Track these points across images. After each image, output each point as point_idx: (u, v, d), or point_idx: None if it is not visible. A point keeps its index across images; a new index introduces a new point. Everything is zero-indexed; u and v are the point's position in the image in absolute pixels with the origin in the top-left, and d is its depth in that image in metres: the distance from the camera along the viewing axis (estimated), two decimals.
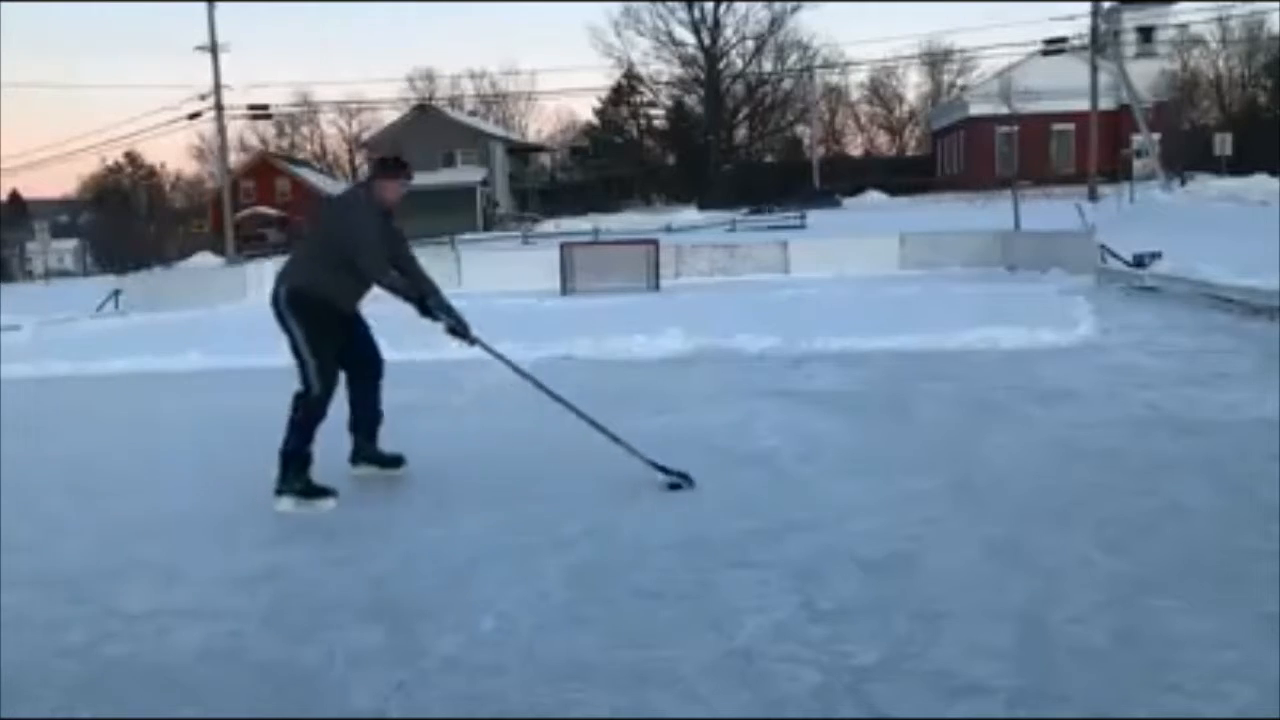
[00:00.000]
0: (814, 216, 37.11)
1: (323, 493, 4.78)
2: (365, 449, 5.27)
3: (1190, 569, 3.54)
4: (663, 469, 4.85)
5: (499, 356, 5.20)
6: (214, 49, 41.49)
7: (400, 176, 5.13)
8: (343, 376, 5.05)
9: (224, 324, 16.74)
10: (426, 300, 5.02)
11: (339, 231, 4.98)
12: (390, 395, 8.39)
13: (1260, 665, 2.78)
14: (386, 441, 6.56)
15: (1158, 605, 3.23)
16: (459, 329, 5.07)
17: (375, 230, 4.89)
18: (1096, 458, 5.17)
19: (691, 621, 3.27)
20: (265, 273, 25.90)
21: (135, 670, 3.13)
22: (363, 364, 5.20)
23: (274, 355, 10.47)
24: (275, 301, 5.00)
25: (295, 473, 4.77)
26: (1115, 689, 2.71)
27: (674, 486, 4.76)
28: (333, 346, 4.95)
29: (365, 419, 5.25)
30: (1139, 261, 15.52)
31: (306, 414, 4.84)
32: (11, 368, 10.69)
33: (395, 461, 5.31)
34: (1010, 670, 2.83)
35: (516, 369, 5.27)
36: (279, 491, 4.75)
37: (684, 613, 3.35)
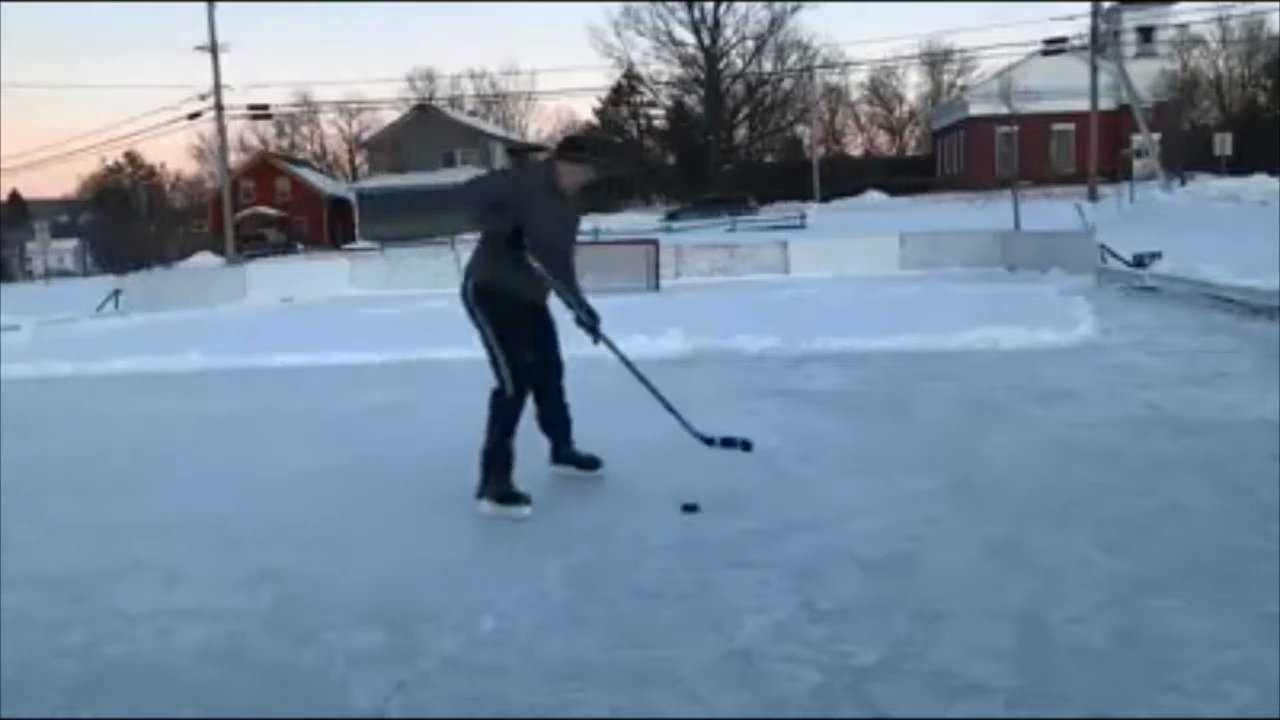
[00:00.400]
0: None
1: (518, 499, 4.53)
2: (563, 449, 5.05)
3: (1190, 569, 3.54)
4: (727, 441, 4.93)
5: (621, 356, 5.04)
6: (214, 49, 41.54)
7: (583, 162, 4.85)
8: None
9: (224, 324, 16.76)
10: (564, 285, 4.92)
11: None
12: (391, 394, 8.43)
13: (1260, 665, 2.78)
14: (387, 439, 6.58)
15: (1158, 605, 3.23)
16: (588, 323, 4.98)
17: (504, 195, 4.73)
18: (1096, 458, 5.16)
19: (691, 621, 3.27)
20: (265, 273, 25.97)
21: (135, 670, 3.13)
22: (544, 363, 4.93)
23: (274, 355, 10.53)
24: (463, 295, 4.76)
25: (495, 476, 4.57)
26: (1115, 689, 2.71)
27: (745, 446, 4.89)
28: (523, 341, 4.72)
29: (557, 419, 5.03)
30: (1139, 261, 15.51)
31: (501, 413, 4.63)
32: (11, 368, 10.70)
33: (592, 463, 5.07)
34: (1010, 670, 2.83)
35: (638, 373, 5.08)
36: (479, 494, 4.58)
37: (684, 613, 3.35)
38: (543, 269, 4.67)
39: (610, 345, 4.97)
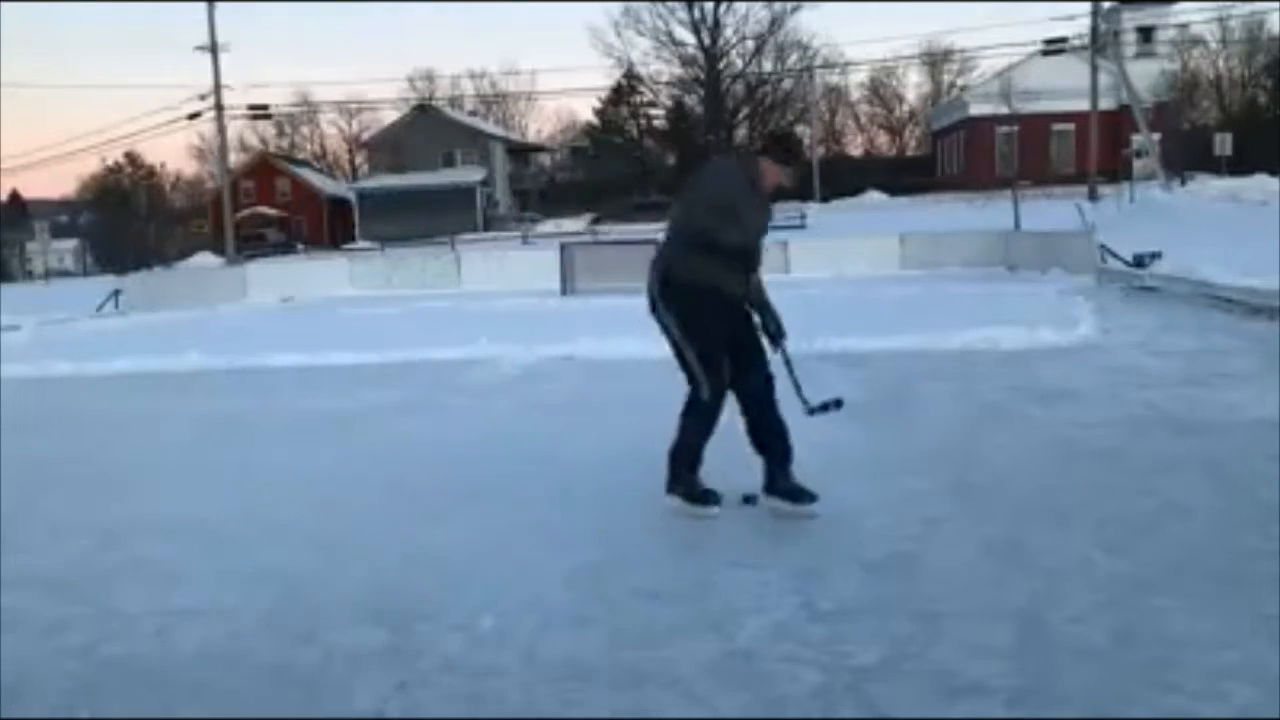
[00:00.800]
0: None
1: (708, 498, 4.36)
2: (780, 479, 4.42)
3: (1190, 569, 3.54)
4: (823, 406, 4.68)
5: (791, 373, 4.66)
6: (214, 49, 41.50)
7: (790, 164, 4.54)
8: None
9: (224, 324, 16.77)
10: (756, 291, 4.54)
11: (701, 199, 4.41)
12: (391, 394, 8.44)
13: (1260, 665, 2.78)
14: (386, 439, 6.57)
15: (1158, 605, 3.23)
16: (775, 332, 4.58)
17: (725, 195, 4.31)
18: (1096, 458, 5.17)
19: (691, 621, 3.27)
20: (265, 273, 25.98)
21: (135, 670, 3.13)
22: (750, 368, 4.46)
23: (274, 355, 10.54)
24: (659, 292, 4.39)
25: (684, 474, 4.39)
26: (1115, 689, 2.71)
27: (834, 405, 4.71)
28: (720, 343, 4.37)
29: (772, 437, 4.47)
30: (1139, 261, 15.52)
31: (699, 416, 4.35)
32: (11, 368, 10.70)
33: (806, 497, 4.38)
34: (1010, 670, 2.83)
35: (797, 382, 4.70)
36: (669, 490, 4.40)
37: (684, 613, 3.35)
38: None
39: (787, 360, 4.63)
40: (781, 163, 4.48)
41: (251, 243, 49.15)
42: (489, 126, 63.95)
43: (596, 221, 44.36)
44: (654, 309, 4.45)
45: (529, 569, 3.83)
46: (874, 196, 48.28)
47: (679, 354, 4.39)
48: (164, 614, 3.55)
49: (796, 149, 4.75)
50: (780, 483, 4.41)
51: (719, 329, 4.36)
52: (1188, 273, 13.37)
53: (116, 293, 21.87)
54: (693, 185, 4.56)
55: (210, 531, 4.54)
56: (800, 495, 4.37)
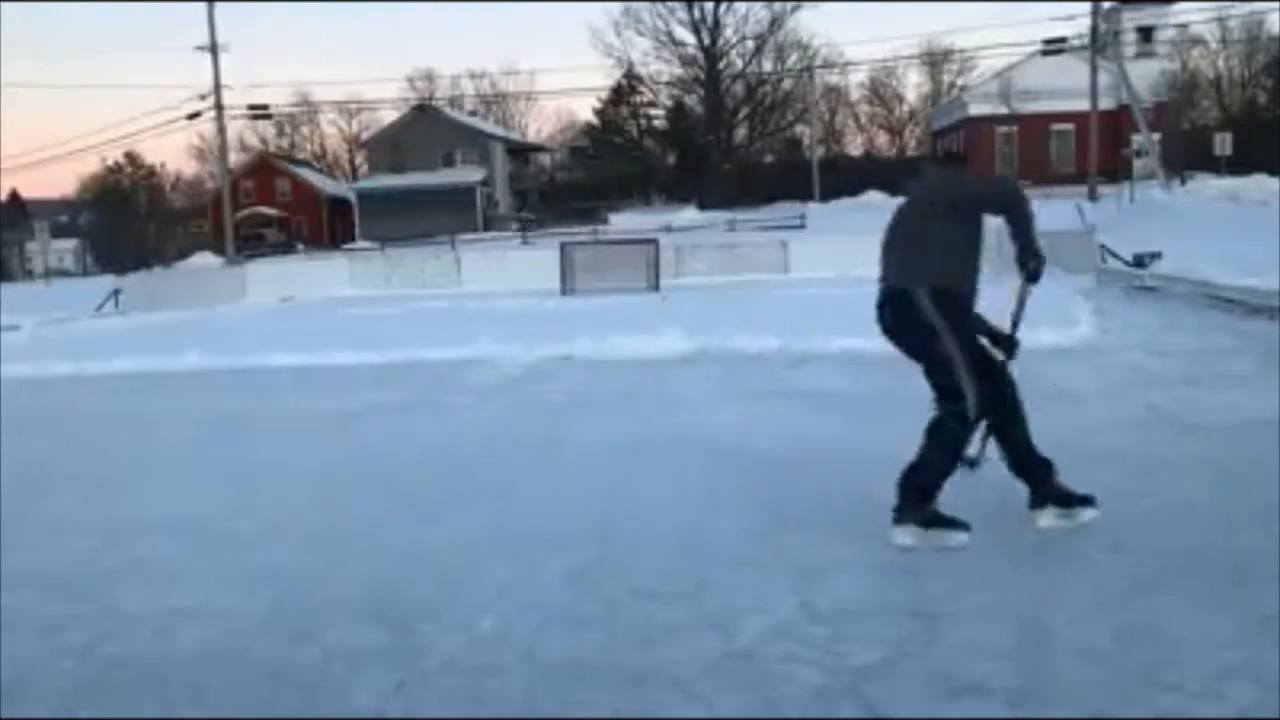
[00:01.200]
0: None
1: (955, 524, 3.92)
2: (1047, 485, 4.10)
3: (1190, 568, 3.54)
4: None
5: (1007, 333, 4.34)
6: (214, 49, 41.47)
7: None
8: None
9: (223, 324, 16.76)
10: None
11: (959, 199, 4.34)
12: (391, 394, 8.44)
13: (1261, 665, 2.78)
14: (386, 439, 6.57)
15: (1158, 605, 3.23)
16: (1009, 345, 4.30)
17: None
18: (1096, 458, 5.16)
19: (691, 621, 3.27)
20: (264, 273, 25.98)
21: (135, 670, 3.12)
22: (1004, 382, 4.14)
23: (273, 355, 10.54)
24: (914, 300, 4.07)
25: (924, 502, 3.95)
26: (1115, 689, 2.71)
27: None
28: (983, 355, 4.11)
29: (1029, 454, 4.16)
30: (1139, 261, 15.54)
31: (953, 439, 3.96)
32: (11, 368, 10.70)
33: (1085, 501, 4.07)
34: (1010, 670, 2.83)
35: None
36: (898, 520, 3.95)
37: (684, 613, 3.35)
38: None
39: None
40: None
41: (251, 242, 49.14)
42: (489, 126, 63.93)
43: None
44: (924, 318, 4.06)
45: (529, 569, 3.83)
46: (874, 196, 48.24)
47: (946, 367, 3.97)
48: (164, 614, 3.55)
49: (958, 156, 4.66)
50: (1050, 488, 4.11)
51: (977, 341, 4.17)
52: (1188, 273, 13.38)
53: (116, 293, 21.88)
54: (936, 190, 4.54)
55: (210, 531, 4.54)
56: (1080, 500, 4.08)
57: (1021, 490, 4.59)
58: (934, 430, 3.99)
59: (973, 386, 3.94)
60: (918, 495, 3.96)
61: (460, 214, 50.99)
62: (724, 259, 23.02)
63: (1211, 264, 13.04)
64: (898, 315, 4.16)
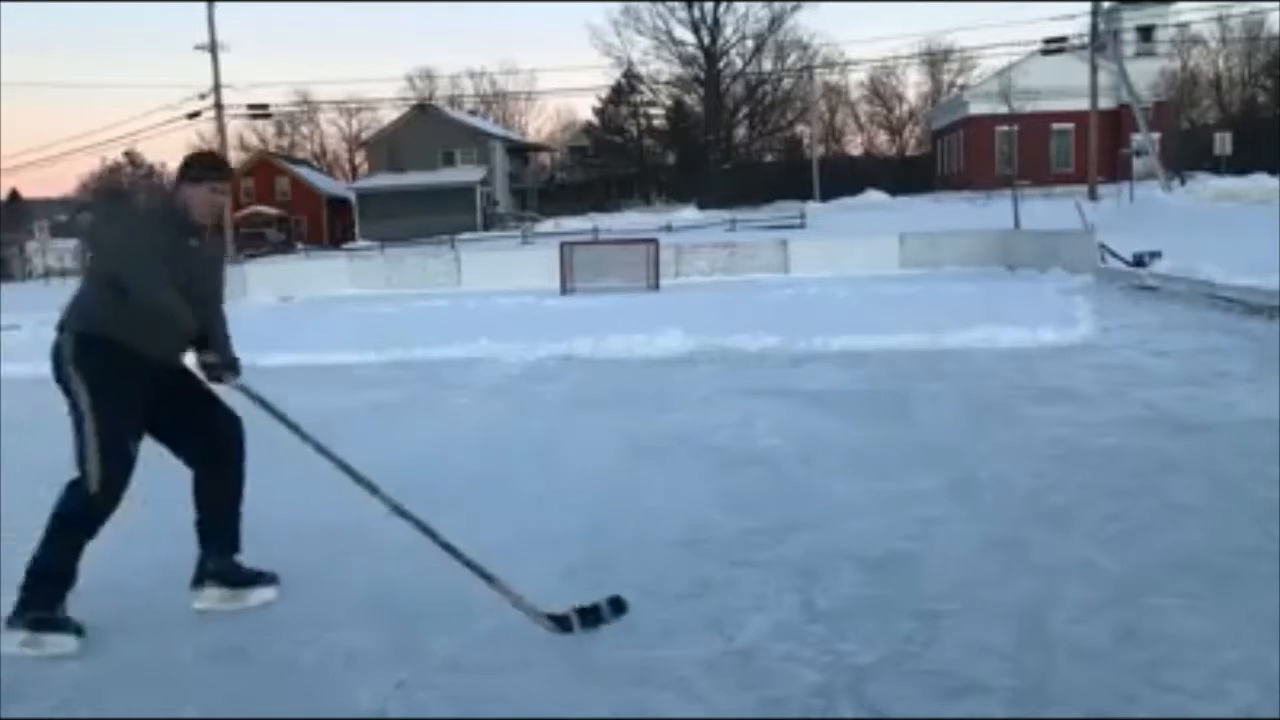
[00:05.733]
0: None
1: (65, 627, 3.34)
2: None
3: (1190, 568, 3.54)
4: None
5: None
6: (214, 48, 41.47)
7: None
8: None
9: None
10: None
11: None
12: (391, 394, 8.44)
13: (1261, 664, 2.78)
14: (386, 439, 6.57)
15: (1158, 604, 3.23)
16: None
17: None
18: (1096, 457, 5.16)
19: (691, 621, 3.27)
20: (264, 272, 25.95)
21: (135, 670, 3.13)
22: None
23: (273, 355, 10.52)
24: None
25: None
26: (1115, 689, 2.71)
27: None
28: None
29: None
30: (1139, 261, 15.52)
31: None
32: (11, 367, 10.70)
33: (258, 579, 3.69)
34: (1010, 670, 2.83)
35: None
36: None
37: (684, 612, 3.35)
38: None
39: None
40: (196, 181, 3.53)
41: (253, 241, 49.10)
42: (489, 126, 63.91)
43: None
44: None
45: (528, 568, 3.83)
46: (874, 196, 48.25)
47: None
48: (164, 613, 3.55)
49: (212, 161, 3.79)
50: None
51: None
52: (1187, 272, 13.36)
53: None
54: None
55: None
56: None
57: (1028, 492, 4.61)
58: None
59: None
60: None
61: (460, 214, 50.99)
62: (724, 259, 23.01)
63: (1211, 264, 13.03)
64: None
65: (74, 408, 3.46)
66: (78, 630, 3.32)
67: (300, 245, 50.23)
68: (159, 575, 3.98)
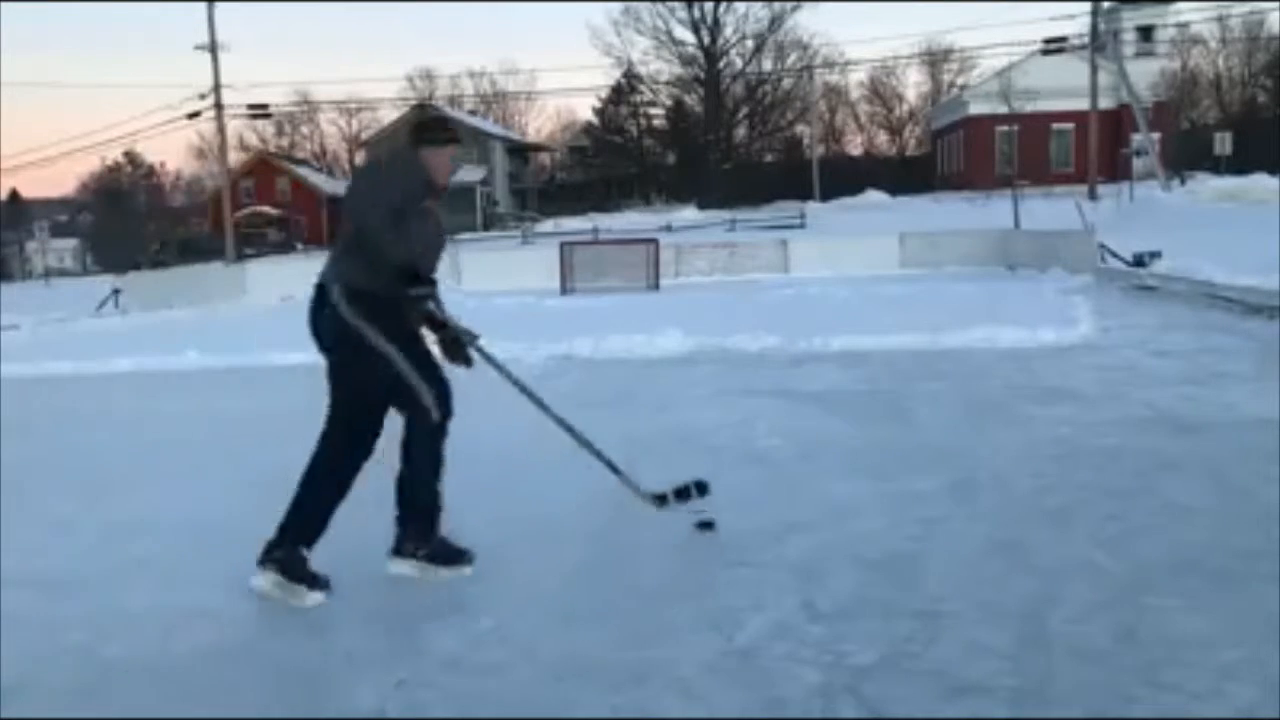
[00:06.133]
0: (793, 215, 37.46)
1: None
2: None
3: (1190, 568, 3.54)
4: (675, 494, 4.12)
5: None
6: (214, 48, 41.47)
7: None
8: None
9: (223, 323, 16.76)
10: None
11: None
12: None
13: (1261, 664, 2.78)
14: (386, 438, 6.56)
15: (1158, 605, 3.23)
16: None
17: None
18: (1096, 457, 5.16)
19: (691, 621, 3.27)
20: (264, 272, 25.95)
21: (135, 670, 3.12)
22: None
23: (273, 354, 10.53)
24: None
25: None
26: (1115, 689, 2.71)
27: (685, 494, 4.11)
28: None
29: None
30: (1139, 261, 15.53)
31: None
32: (11, 367, 10.70)
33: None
34: (1010, 670, 2.83)
35: None
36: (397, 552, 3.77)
37: (684, 613, 3.35)
38: None
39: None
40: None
41: (251, 242, 49.09)
42: (489, 126, 63.91)
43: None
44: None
45: (528, 567, 3.83)
46: (874, 195, 48.26)
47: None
48: (164, 613, 3.55)
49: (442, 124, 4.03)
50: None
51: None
52: (1187, 272, 13.37)
53: (116, 292, 21.87)
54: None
55: (210, 531, 4.53)
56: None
57: (1028, 492, 4.61)
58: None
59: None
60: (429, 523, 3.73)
61: (460, 214, 50.99)
62: (724, 259, 23.02)
63: (1211, 264, 13.04)
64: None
65: (367, 357, 3.61)
66: (467, 558, 3.73)
67: (300, 245, 50.24)
68: (159, 575, 3.98)
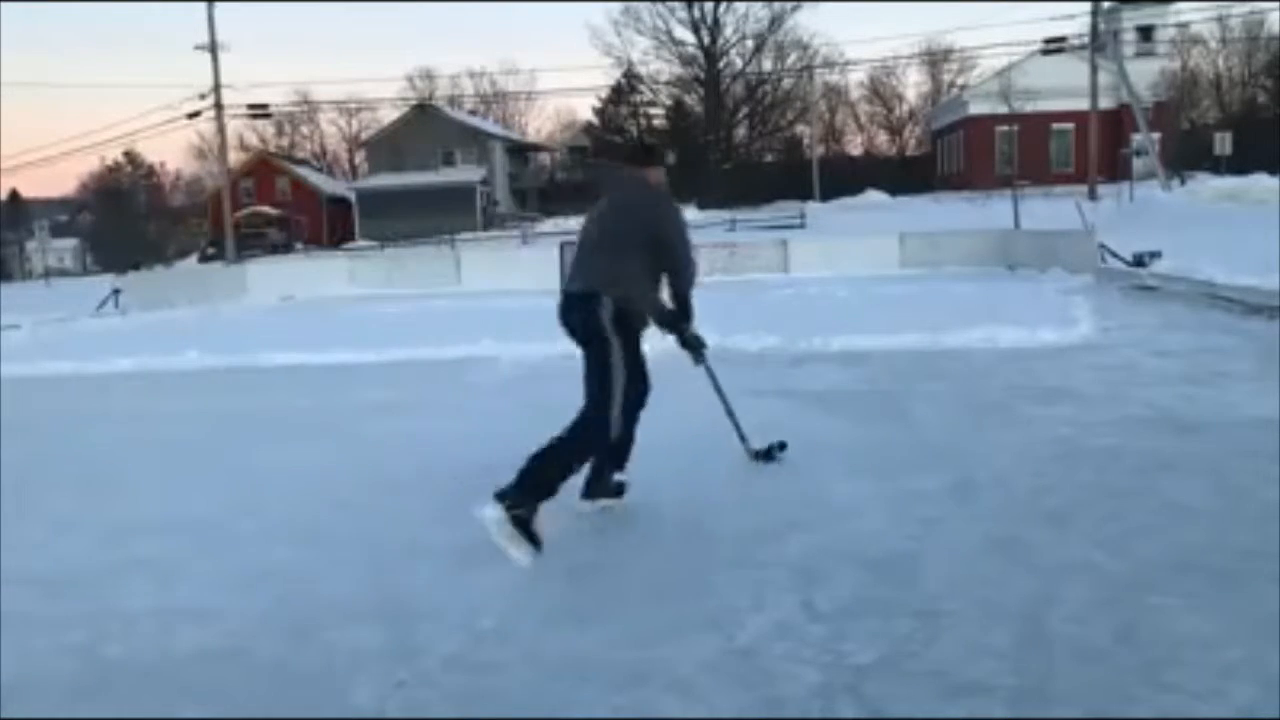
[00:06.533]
0: (800, 215, 37.41)
1: (532, 539, 3.92)
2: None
3: (1190, 568, 3.54)
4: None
5: None
6: (214, 48, 41.47)
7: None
8: None
9: (223, 323, 16.76)
10: None
11: None
12: (390, 393, 8.43)
13: (1260, 664, 2.78)
14: (386, 438, 6.57)
15: (1157, 604, 3.23)
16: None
17: None
18: (1096, 457, 5.16)
19: (691, 621, 3.27)
20: (265, 272, 25.96)
21: (135, 670, 3.12)
22: None
23: (273, 354, 10.53)
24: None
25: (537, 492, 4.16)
26: (1115, 689, 2.71)
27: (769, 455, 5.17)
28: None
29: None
30: (1139, 261, 15.53)
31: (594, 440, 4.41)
32: (11, 367, 10.70)
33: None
34: (1010, 670, 2.83)
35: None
36: (499, 497, 4.03)
37: (684, 612, 3.35)
38: None
39: None
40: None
41: (251, 242, 49.08)
42: (489, 126, 63.92)
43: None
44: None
45: (529, 568, 3.83)
46: (874, 195, 48.26)
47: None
48: (164, 613, 3.55)
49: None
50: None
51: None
52: (1187, 272, 13.37)
53: (116, 292, 21.86)
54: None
55: (210, 530, 4.54)
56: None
57: (1028, 492, 4.61)
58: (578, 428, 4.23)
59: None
60: (535, 486, 4.00)
61: (460, 214, 50.98)
62: (724, 259, 23.00)
63: (1211, 264, 13.04)
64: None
65: (600, 357, 4.29)
66: (539, 545, 3.87)
67: (300, 245, 50.23)
68: (159, 575, 3.98)
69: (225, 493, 5.23)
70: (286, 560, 4.07)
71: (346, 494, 5.09)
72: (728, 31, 59.38)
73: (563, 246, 22.41)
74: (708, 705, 2.72)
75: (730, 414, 5.10)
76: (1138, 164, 37.04)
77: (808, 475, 5.06)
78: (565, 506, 4.63)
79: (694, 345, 4.85)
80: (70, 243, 62.17)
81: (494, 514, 3.86)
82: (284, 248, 48.95)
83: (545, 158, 69.56)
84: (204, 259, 46.37)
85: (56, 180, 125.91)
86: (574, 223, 42.03)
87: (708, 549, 3.97)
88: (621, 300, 4.25)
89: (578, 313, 4.31)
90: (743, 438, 5.13)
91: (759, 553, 3.89)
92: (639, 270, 4.33)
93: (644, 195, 4.49)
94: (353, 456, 6.02)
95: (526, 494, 3.92)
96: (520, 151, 64.63)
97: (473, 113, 66.04)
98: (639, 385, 4.46)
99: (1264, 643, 2.90)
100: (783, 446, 5.21)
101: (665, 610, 3.37)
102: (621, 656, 3.03)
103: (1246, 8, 51.66)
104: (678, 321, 4.67)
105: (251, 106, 46.25)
